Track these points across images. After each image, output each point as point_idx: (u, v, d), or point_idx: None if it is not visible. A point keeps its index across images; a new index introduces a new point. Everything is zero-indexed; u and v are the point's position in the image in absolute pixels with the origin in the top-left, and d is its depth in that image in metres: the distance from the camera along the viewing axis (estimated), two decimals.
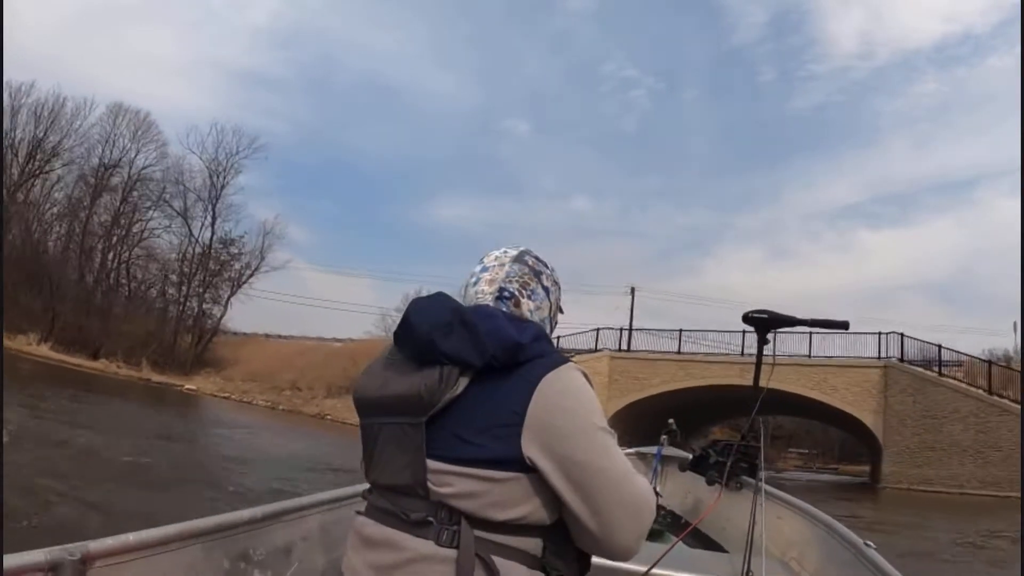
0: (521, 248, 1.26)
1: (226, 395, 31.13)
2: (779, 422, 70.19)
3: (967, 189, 73.87)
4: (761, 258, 75.90)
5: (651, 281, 71.03)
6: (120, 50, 63.67)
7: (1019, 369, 22.01)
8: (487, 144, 75.38)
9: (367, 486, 1.16)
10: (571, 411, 1.01)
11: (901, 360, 23.08)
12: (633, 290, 38.87)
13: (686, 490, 3.36)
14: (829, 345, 24.35)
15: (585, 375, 1.08)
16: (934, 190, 74.54)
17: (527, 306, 1.19)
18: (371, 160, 74.62)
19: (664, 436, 3.30)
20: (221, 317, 43.02)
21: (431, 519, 0.99)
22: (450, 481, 0.99)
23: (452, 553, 0.96)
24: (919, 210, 72.05)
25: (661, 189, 75.59)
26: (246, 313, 66.51)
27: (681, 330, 26.92)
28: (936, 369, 22.37)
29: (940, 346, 22.80)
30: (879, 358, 23.55)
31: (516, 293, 1.18)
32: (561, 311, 1.29)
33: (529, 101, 74.99)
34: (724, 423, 40.58)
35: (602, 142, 75.08)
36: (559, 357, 1.06)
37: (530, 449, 0.98)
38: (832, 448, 68.94)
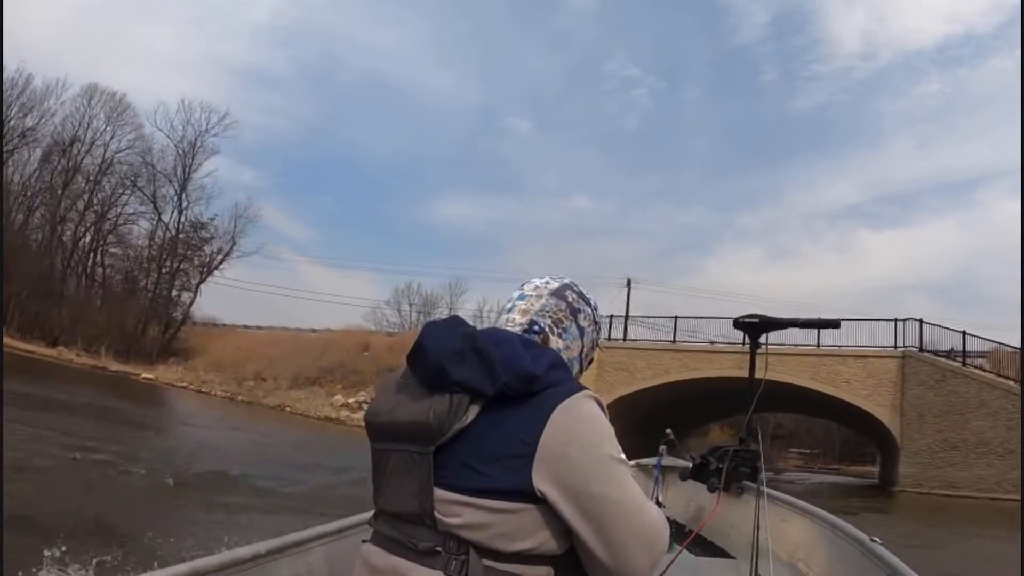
0: (565, 281, 1.25)
1: (184, 384, 29.06)
2: (779, 420, 70.25)
3: (968, 190, 74.31)
4: (762, 258, 76.11)
5: (651, 280, 71.94)
6: (120, 47, 63.83)
7: None
8: (488, 142, 76.24)
9: (370, 515, 1.16)
10: (584, 441, 0.98)
11: (920, 349, 20.74)
12: (629, 282, 37.11)
13: (688, 499, 3.37)
14: (840, 333, 22.02)
15: (599, 403, 1.03)
16: (935, 191, 75.33)
17: (556, 344, 1.17)
18: (372, 158, 75.38)
19: (663, 446, 3.22)
20: (190, 304, 40.82)
21: (439, 549, 0.97)
22: (458, 511, 0.96)
23: None
24: (920, 211, 72.95)
25: (662, 188, 76.10)
26: (233, 305, 68.13)
27: (676, 317, 24.61)
28: (960, 359, 20.01)
29: (965, 333, 20.42)
30: (895, 347, 21.21)
31: (546, 329, 1.17)
32: (598, 347, 1.28)
33: (531, 99, 75.53)
34: (724, 421, 38.54)
35: (603, 141, 75.76)
36: (574, 385, 1.03)
37: (541, 481, 0.95)
38: (833, 448, 67.81)
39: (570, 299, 1.21)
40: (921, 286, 74.08)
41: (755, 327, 1.92)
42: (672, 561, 1.55)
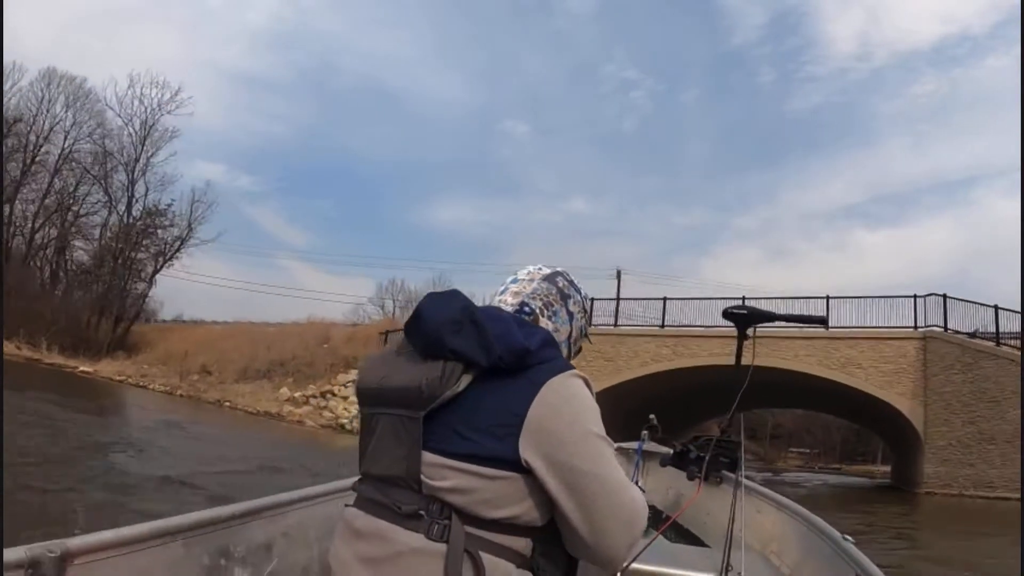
0: (557, 269, 1.29)
1: (123, 378, 26.33)
2: (779, 420, 69.21)
3: (964, 189, 76.02)
4: (759, 257, 77.02)
5: (648, 280, 72.11)
6: (114, 52, 62.39)
7: None
8: (487, 145, 77.52)
9: (344, 483, 1.40)
10: (571, 417, 1.01)
11: (945, 329, 18.01)
12: (619, 273, 34.68)
13: (667, 485, 3.44)
14: (853, 314, 19.34)
15: (587, 382, 1.06)
16: (931, 190, 76.41)
17: (545, 325, 1.19)
18: (370, 162, 77.19)
19: (645, 431, 3.22)
20: (144, 296, 37.91)
21: (422, 512, 0.98)
22: (445, 475, 0.98)
23: (442, 547, 0.95)
24: (916, 210, 75.71)
25: (660, 190, 77.21)
26: (215, 305, 67.91)
27: (665, 298, 21.84)
28: (992, 338, 17.25)
29: (997, 308, 17.59)
30: (916, 327, 18.49)
31: (536, 311, 1.20)
32: (587, 339, 1.32)
33: (529, 102, 76.83)
34: (721, 418, 35.88)
35: (601, 143, 77.36)
36: (564, 364, 1.05)
37: (527, 451, 0.97)
38: (834, 447, 66.29)
39: (560, 285, 1.25)
40: (918, 285, 73.47)
41: (744, 318, 1.90)
42: (647, 545, 1.58)
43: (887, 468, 60.16)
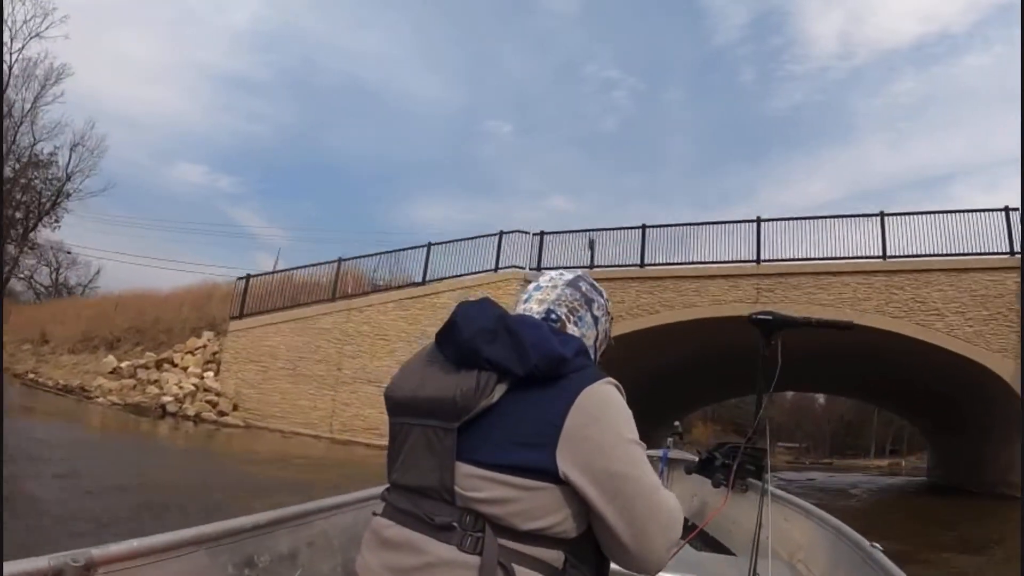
0: (578, 273, 1.29)
1: None
2: (769, 414, 65.62)
3: (943, 185, 77.75)
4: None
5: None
6: (94, 51, 59.74)
7: None
8: (469, 145, 78.23)
9: (369, 492, 1.37)
10: (607, 425, 1.00)
11: None
12: (592, 243, 28.77)
13: (692, 493, 3.43)
14: (915, 239, 13.44)
15: (620, 390, 1.06)
16: (910, 186, 78.23)
17: (572, 331, 1.18)
18: (352, 162, 75.74)
19: (670, 439, 3.23)
20: (16, 259, 30.85)
21: (455, 524, 0.97)
22: (480, 486, 0.97)
23: (474, 560, 0.94)
24: (895, 207, 72.19)
25: (641, 188, 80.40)
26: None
27: (644, 226, 15.76)
28: None
29: None
30: (1012, 253, 12.68)
31: (563, 317, 1.19)
32: (611, 342, 1.31)
33: (512, 102, 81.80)
34: (718, 406, 29.48)
35: (583, 142, 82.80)
36: (598, 372, 1.05)
37: (564, 461, 0.96)
38: (824, 441, 63.89)
39: (584, 289, 1.24)
40: None
41: (769, 324, 1.82)
42: (674, 554, 1.37)
43: (881, 463, 56.85)
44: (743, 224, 14.52)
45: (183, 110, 69.72)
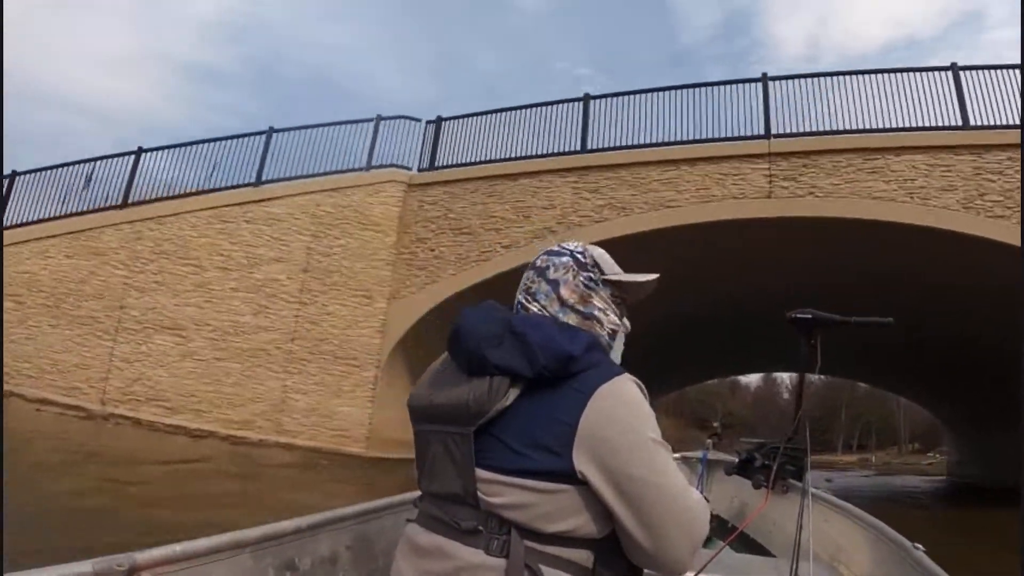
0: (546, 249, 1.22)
1: None
2: (730, 407, 61.88)
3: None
4: None
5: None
6: (56, 41, 52.19)
7: None
8: None
9: (408, 496, 1.31)
10: (624, 424, 0.99)
11: None
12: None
13: (732, 494, 3.51)
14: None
15: (639, 386, 1.04)
16: None
17: (534, 309, 1.14)
18: None
19: (709, 440, 3.26)
20: None
21: (481, 528, 0.98)
22: (500, 491, 0.98)
23: (501, 563, 0.95)
24: None
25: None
26: None
27: (588, 96, 10.82)
28: None
29: None
30: None
31: (523, 302, 1.16)
32: (625, 323, 1.20)
33: (482, 98, 73.65)
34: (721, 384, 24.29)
35: None
36: (613, 368, 1.03)
37: (581, 462, 0.96)
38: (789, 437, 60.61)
39: (539, 263, 1.20)
40: None
41: (808, 323, 1.75)
42: (715, 556, 1.58)
43: (850, 459, 53.88)
44: (744, 84, 9.67)
45: (146, 98, 64.68)
